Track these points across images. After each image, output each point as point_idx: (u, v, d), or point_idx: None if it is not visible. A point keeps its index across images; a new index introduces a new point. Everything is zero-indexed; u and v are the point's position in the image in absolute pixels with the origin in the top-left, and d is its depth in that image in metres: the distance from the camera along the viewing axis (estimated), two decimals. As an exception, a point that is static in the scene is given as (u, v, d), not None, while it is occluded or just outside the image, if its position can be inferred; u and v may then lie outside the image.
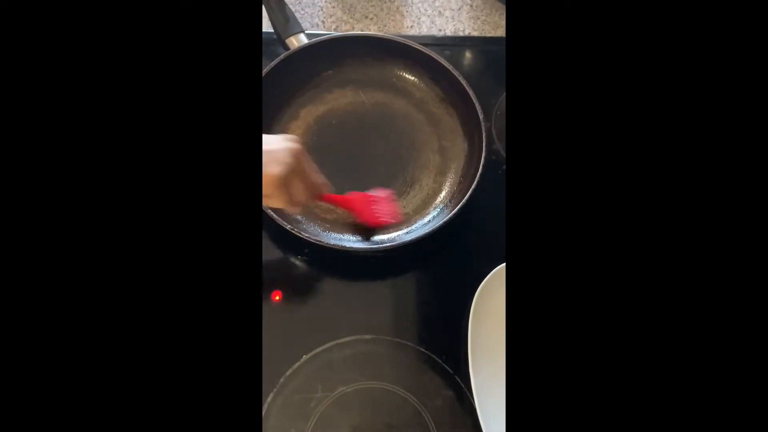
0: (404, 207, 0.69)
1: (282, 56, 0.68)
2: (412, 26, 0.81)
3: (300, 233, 0.62)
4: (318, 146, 0.71)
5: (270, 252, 0.67)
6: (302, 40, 0.70)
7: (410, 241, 0.63)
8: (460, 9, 0.82)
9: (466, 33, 0.80)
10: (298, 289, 0.66)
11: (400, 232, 0.68)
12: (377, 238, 0.67)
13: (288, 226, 0.62)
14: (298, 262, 0.67)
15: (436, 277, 0.67)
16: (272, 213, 0.62)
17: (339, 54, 0.72)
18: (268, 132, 0.70)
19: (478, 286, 0.62)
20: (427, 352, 0.62)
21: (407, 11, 0.82)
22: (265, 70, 0.67)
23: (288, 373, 0.61)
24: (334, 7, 0.83)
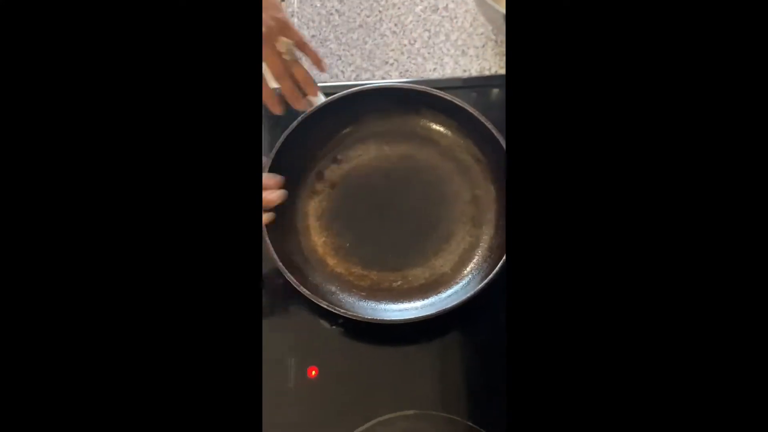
0: (441, 266, 0.65)
1: (299, 119, 0.66)
2: (435, 68, 0.77)
3: (335, 309, 0.59)
4: (345, 206, 0.68)
5: (305, 324, 0.64)
6: (320, 98, 0.68)
7: (452, 307, 0.59)
8: (484, 46, 0.77)
9: (493, 71, 0.76)
10: (335, 362, 0.63)
11: (441, 295, 0.63)
12: (416, 304, 0.63)
13: (323, 303, 0.59)
14: (334, 333, 0.63)
15: (483, 336, 0.63)
16: (305, 291, 0.59)
17: (358, 108, 0.69)
18: (294, 198, 0.68)
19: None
20: (478, 428, 0.57)
21: (429, 53, 0.78)
22: (283, 136, 0.65)
23: (328, 458, 0.58)
24: (353, 55, 0.80)
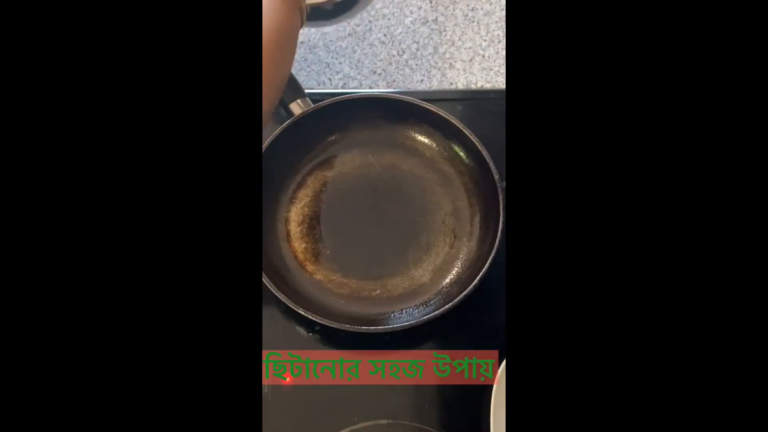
0: (421, 276, 0.65)
1: (285, 124, 0.66)
2: (422, 80, 0.78)
3: (312, 316, 0.58)
4: (328, 213, 0.68)
5: (281, 331, 0.64)
6: (306, 104, 0.68)
7: (428, 318, 0.59)
8: (471, 60, 0.78)
9: (479, 86, 0.77)
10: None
11: (417, 304, 0.63)
12: (393, 314, 0.63)
13: (300, 309, 0.58)
14: (309, 340, 0.63)
15: (459, 348, 0.63)
16: (283, 296, 0.59)
17: (345, 116, 0.69)
18: (276, 203, 0.68)
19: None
20: (448, 439, 0.57)
21: (417, 64, 0.79)
22: (269, 140, 0.65)
23: (300, 465, 0.57)
24: (341, 64, 0.80)
